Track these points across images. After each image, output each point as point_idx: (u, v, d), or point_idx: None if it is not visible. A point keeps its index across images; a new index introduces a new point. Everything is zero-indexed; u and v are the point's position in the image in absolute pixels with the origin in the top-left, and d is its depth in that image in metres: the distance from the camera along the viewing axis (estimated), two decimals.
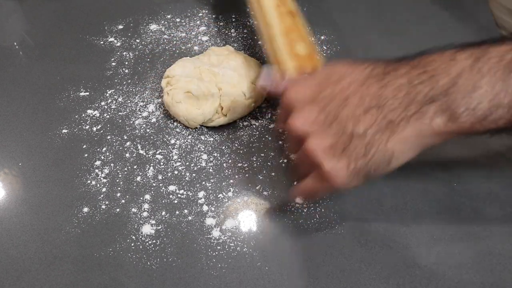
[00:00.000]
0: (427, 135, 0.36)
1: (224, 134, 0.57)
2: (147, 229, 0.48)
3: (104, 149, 0.56)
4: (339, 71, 0.40)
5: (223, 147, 0.56)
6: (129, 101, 0.62)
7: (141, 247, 0.47)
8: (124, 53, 0.68)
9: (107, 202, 0.51)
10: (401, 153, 0.37)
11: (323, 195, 0.49)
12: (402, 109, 0.36)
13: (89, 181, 0.53)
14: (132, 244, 0.47)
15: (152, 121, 0.59)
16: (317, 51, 0.53)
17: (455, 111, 0.35)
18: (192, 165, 0.54)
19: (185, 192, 0.52)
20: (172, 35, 0.71)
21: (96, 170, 0.54)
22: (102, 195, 0.51)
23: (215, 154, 0.55)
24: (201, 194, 0.51)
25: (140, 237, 0.48)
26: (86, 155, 0.55)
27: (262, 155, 0.55)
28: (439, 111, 0.35)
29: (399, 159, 0.38)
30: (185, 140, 0.57)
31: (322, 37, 0.69)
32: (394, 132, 0.36)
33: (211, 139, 0.57)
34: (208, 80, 0.57)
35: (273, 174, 0.53)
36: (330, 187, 0.40)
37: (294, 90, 0.42)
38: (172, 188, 0.52)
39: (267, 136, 0.57)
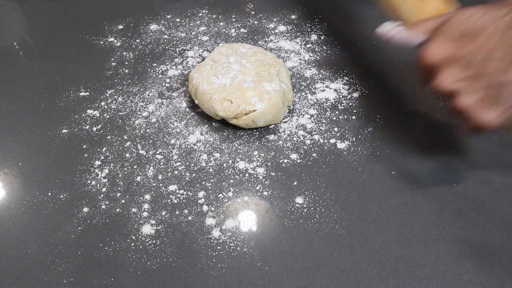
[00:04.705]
0: None
1: (224, 134, 0.57)
2: (147, 229, 0.48)
3: (104, 149, 0.56)
4: (474, 23, 0.40)
5: (223, 147, 0.56)
6: (129, 101, 0.62)
7: (141, 247, 0.47)
8: (124, 53, 0.68)
9: (107, 202, 0.51)
10: None
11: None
12: None
13: (89, 181, 0.53)
14: (132, 244, 0.47)
15: (152, 121, 0.59)
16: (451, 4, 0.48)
17: None
18: (192, 165, 0.54)
19: (185, 192, 0.52)
20: (172, 35, 0.71)
21: (96, 170, 0.54)
22: (102, 195, 0.51)
23: (215, 154, 0.55)
24: (201, 194, 0.51)
25: (140, 237, 0.48)
26: (86, 155, 0.55)
27: (262, 155, 0.55)
28: None
29: None
30: (185, 140, 0.57)
31: (322, 37, 0.69)
32: None
33: (211, 139, 0.57)
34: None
35: (273, 174, 0.53)
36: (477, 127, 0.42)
37: (432, 51, 0.42)
38: (172, 188, 0.52)
39: (267, 136, 0.57)
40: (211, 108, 0.56)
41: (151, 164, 0.54)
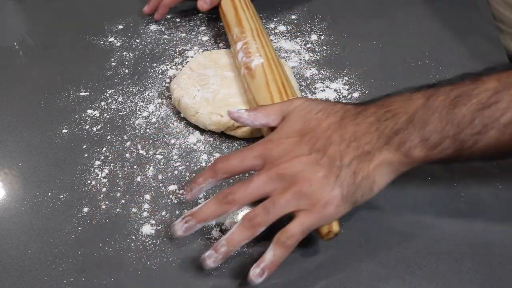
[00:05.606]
0: (396, 161, 0.43)
1: (224, 134, 0.57)
2: (147, 229, 0.48)
3: (104, 149, 0.56)
4: (314, 117, 0.45)
5: (223, 147, 0.56)
6: (129, 101, 0.62)
7: (141, 247, 0.47)
8: (124, 53, 0.68)
9: (107, 202, 0.51)
10: (380, 179, 0.43)
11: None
12: (375, 141, 0.42)
13: (89, 181, 0.53)
14: (132, 244, 0.47)
15: (152, 121, 0.59)
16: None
17: (413, 142, 0.42)
18: (192, 165, 0.54)
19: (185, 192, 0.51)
20: (172, 35, 0.71)
21: (96, 170, 0.54)
22: (102, 195, 0.51)
23: (215, 154, 0.55)
24: (201, 194, 0.51)
25: (140, 237, 0.48)
26: (86, 155, 0.55)
27: None
28: (402, 142, 0.42)
29: (379, 184, 0.43)
30: (185, 140, 0.57)
31: (322, 37, 0.69)
32: (371, 161, 0.42)
33: (211, 139, 0.57)
34: None
35: None
36: (322, 218, 0.42)
37: (278, 137, 0.45)
38: (172, 188, 0.52)
39: None
40: (198, 122, 0.56)
41: (151, 164, 0.54)
